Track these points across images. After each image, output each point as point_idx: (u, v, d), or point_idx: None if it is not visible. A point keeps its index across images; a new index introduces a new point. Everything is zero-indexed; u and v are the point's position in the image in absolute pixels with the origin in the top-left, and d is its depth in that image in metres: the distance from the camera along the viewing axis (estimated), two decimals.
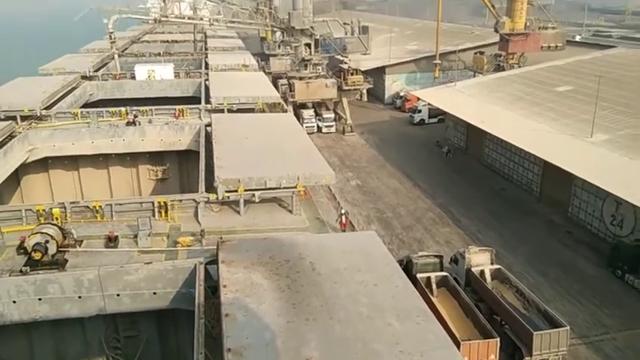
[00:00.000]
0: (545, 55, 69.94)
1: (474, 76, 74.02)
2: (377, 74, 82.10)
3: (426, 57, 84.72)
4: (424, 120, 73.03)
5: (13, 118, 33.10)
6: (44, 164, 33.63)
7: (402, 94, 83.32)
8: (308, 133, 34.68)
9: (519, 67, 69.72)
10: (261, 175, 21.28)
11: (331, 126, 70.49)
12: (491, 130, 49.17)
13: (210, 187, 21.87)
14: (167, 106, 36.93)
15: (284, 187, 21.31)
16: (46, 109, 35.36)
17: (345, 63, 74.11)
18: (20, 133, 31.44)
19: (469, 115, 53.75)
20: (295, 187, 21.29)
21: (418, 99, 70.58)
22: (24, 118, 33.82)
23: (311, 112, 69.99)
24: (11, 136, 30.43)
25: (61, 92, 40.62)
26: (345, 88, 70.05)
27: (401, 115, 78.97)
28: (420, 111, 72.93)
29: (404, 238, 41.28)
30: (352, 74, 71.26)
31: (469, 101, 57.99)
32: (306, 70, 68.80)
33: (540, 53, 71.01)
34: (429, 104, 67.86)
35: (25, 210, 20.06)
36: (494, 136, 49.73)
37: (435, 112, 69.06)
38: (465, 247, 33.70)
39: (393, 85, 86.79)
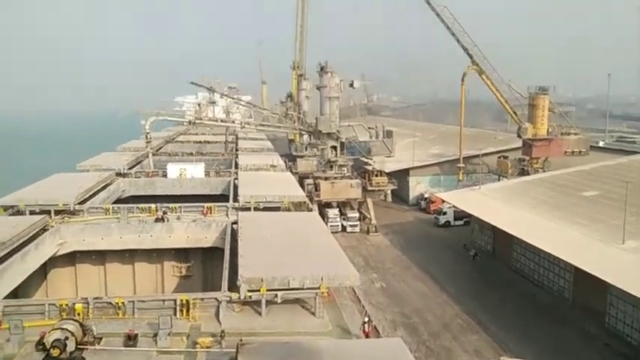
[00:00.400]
0: (570, 160, 70.43)
1: (499, 179, 74.47)
2: (401, 176, 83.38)
3: (449, 160, 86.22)
4: (449, 222, 72.55)
5: (48, 212, 34.24)
6: (72, 258, 34.09)
7: (426, 195, 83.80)
8: (332, 233, 34.75)
9: (544, 171, 70.07)
10: (284, 274, 21.11)
11: (356, 226, 70.53)
12: (520, 235, 48.33)
13: (233, 286, 21.68)
14: (196, 204, 37.75)
15: (307, 288, 20.99)
16: (79, 204, 36.59)
17: (370, 165, 75.79)
18: (53, 227, 32.35)
19: (495, 219, 53.28)
20: (318, 288, 20.95)
21: (443, 201, 70.72)
22: (58, 212, 34.94)
23: (336, 211, 70.53)
24: (44, 230, 31.29)
25: (95, 188, 42.20)
26: (370, 188, 71.07)
27: (425, 217, 78.73)
28: (445, 213, 72.73)
29: (431, 345, 39.36)
30: (377, 175, 72.63)
31: (495, 204, 57.78)
32: (331, 170, 70.56)
33: (564, 158, 71.62)
34: (454, 206, 67.79)
35: (49, 304, 20.10)
36: (522, 240, 48.79)
37: (461, 215, 68.71)
38: (497, 358, 31.86)
39: (418, 186, 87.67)
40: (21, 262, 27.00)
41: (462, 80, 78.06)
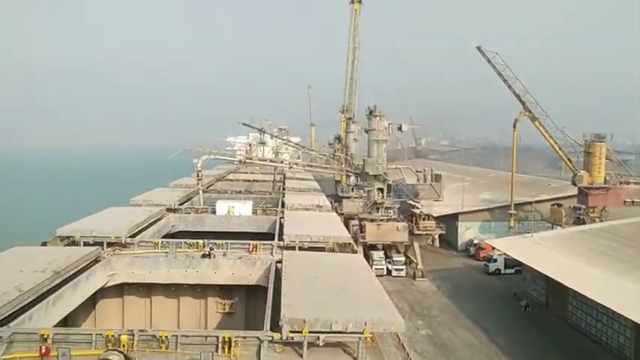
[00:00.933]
0: (629, 211, 67.00)
1: (552, 228, 71.55)
2: (450, 221, 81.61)
3: (500, 206, 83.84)
4: (500, 270, 69.93)
5: (101, 244, 35.46)
6: (120, 289, 34.88)
7: (475, 241, 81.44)
8: (377, 276, 34.12)
9: (601, 221, 66.84)
10: (327, 316, 20.74)
11: (401, 270, 69.03)
12: (578, 287, 45.84)
13: (276, 326, 21.45)
14: (242, 241, 38.12)
15: (350, 332, 20.48)
16: (131, 237, 37.69)
17: (417, 208, 74.71)
18: (104, 258, 33.37)
19: (550, 269, 50.90)
20: (362, 333, 20.41)
21: (493, 248, 68.45)
22: (110, 245, 36.11)
23: (381, 254, 69.46)
24: (96, 261, 32.30)
25: (146, 222, 43.46)
26: (417, 232, 69.78)
27: (475, 263, 76.28)
28: (495, 260, 70.26)
29: None
30: (424, 219, 71.33)
31: (548, 253, 55.34)
32: (377, 212, 69.99)
33: (623, 208, 68.23)
34: (504, 254, 65.44)
35: (96, 334, 20.45)
36: (579, 292, 46.24)
37: (512, 263, 66.18)
38: None
39: (467, 232, 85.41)
40: (73, 292, 27.82)
41: (514, 126, 76.79)
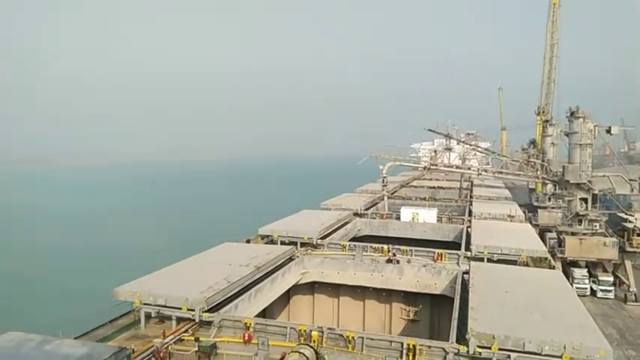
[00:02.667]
0: None
1: None
2: None
3: None
4: None
5: (295, 244, 38.41)
6: (311, 288, 37.23)
7: None
8: (579, 296, 30.53)
9: None
10: (519, 335, 19.25)
11: (609, 291, 60.69)
12: None
13: (462, 338, 20.64)
14: (427, 249, 37.72)
15: (546, 355, 18.71)
16: (321, 239, 40.03)
17: (631, 222, 65.05)
18: (298, 257, 35.98)
19: None
20: (560, 358, 18.48)
21: None
22: (303, 245, 38.90)
23: (584, 272, 62.05)
24: (290, 259, 35.00)
25: (335, 225, 45.77)
26: (630, 249, 60.67)
27: None
28: None
29: None
30: (639, 235, 61.79)
31: None
32: (580, 225, 62.66)
33: None
34: None
35: (290, 328, 22.11)
36: None
37: None
38: None
39: None
40: (270, 286, 30.55)
41: None
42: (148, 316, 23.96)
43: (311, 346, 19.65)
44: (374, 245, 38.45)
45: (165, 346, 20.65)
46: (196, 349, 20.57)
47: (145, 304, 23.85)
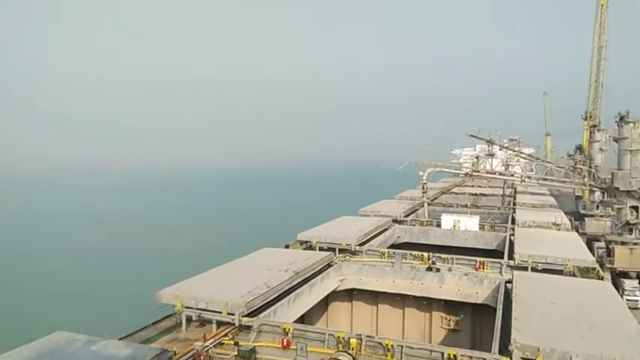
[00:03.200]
0: None
1: None
2: None
3: None
4: None
5: (333, 250, 38.34)
6: (349, 294, 37.06)
7: None
8: (630, 309, 29.22)
9: None
10: (566, 348, 18.56)
11: None
12: None
13: (505, 349, 20.07)
14: (468, 257, 36.94)
15: None
16: (359, 245, 39.83)
17: None
18: (336, 263, 35.89)
19: None
20: None
21: None
22: (341, 251, 38.79)
23: (635, 283, 59.42)
24: (329, 265, 34.95)
25: (373, 232, 45.47)
26: None
27: None
28: None
29: None
30: None
31: None
32: (631, 234, 60.07)
33: None
34: None
35: (328, 334, 22.04)
36: None
37: None
38: None
39: None
40: (309, 292, 30.58)
41: None
42: (189, 320, 24.40)
43: (349, 354, 19.53)
44: (414, 252, 37.96)
45: (206, 349, 20.95)
46: (236, 353, 20.78)
47: (187, 307, 24.30)
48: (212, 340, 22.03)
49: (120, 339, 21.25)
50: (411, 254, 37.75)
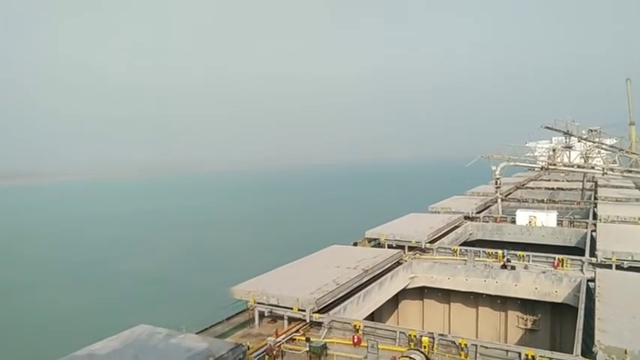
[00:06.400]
0: None
1: None
2: None
3: None
4: None
5: (402, 247, 37.87)
6: (420, 292, 36.49)
7: None
8: None
9: None
10: None
11: None
12: None
13: (587, 352, 19.02)
14: (545, 254, 35.33)
15: None
16: (430, 243, 39.10)
17: None
18: (406, 261, 35.43)
19: None
20: None
21: None
22: (411, 249, 38.25)
23: None
24: (398, 263, 34.57)
25: (444, 229, 44.45)
26: None
27: None
28: None
29: None
30: None
31: None
32: None
33: None
34: None
35: (399, 332, 21.82)
36: None
37: None
38: None
39: None
40: (378, 290, 30.42)
41: None
42: (261, 315, 25.00)
43: (422, 352, 19.23)
44: (487, 250, 36.78)
45: (278, 344, 21.38)
46: (307, 349, 21.06)
47: (259, 303, 24.92)
48: (284, 335, 22.46)
49: (196, 333, 22.14)
50: (484, 251, 36.62)
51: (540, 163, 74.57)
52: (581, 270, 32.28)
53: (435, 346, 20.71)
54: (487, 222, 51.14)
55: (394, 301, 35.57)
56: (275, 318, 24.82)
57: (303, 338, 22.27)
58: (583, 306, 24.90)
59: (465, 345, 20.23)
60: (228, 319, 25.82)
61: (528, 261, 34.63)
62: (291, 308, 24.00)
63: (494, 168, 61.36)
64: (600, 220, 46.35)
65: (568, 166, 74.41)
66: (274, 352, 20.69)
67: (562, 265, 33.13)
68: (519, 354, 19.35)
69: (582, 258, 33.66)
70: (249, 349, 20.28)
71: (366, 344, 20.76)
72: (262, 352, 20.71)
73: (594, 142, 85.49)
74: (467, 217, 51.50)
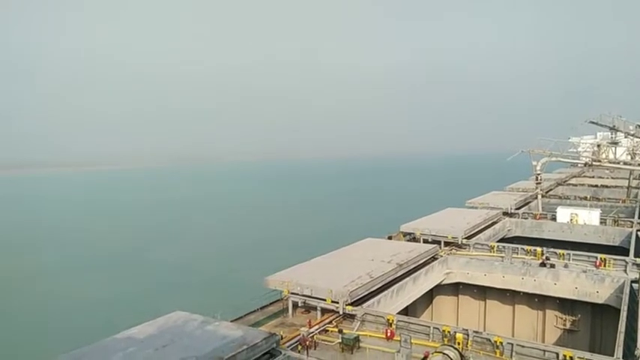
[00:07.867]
0: None
1: None
2: None
3: None
4: None
5: (438, 243, 37.45)
6: (455, 288, 36.02)
7: None
8: None
9: None
10: None
11: None
12: None
13: (629, 355, 18.41)
14: (587, 253, 34.32)
15: None
16: (466, 238, 38.50)
17: None
18: (441, 256, 35.03)
19: None
20: None
21: None
22: (447, 244, 37.78)
23: None
24: (434, 258, 34.21)
25: (482, 225, 43.70)
26: None
27: None
28: None
29: None
30: None
31: None
32: None
33: None
34: None
35: (433, 327, 21.64)
36: None
37: None
38: None
39: None
40: (413, 284, 30.19)
41: None
42: (295, 305, 25.22)
43: (455, 348, 18.99)
44: (526, 247, 35.99)
45: (311, 335, 21.53)
46: (340, 340, 21.12)
47: (293, 293, 25.12)
48: (317, 326, 22.60)
49: (231, 321, 22.51)
50: (522, 249, 35.85)
51: (584, 159, 72.34)
52: (625, 271, 31.19)
53: (470, 343, 20.44)
54: (526, 219, 50.00)
55: (428, 297, 35.26)
56: (308, 309, 25.00)
57: (336, 330, 22.35)
58: (626, 308, 24.08)
59: (501, 343, 19.89)
60: (262, 308, 26.17)
61: (569, 259, 33.69)
62: (325, 299, 24.10)
63: (535, 163, 59.84)
64: None
65: (613, 162, 71.89)
66: (307, 342, 20.84)
67: (604, 265, 32.10)
68: (557, 354, 18.89)
69: (626, 258, 32.51)
70: (282, 338, 20.50)
71: (399, 338, 20.65)
72: (295, 342, 20.89)
73: None
74: (505, 213, 50.50)
